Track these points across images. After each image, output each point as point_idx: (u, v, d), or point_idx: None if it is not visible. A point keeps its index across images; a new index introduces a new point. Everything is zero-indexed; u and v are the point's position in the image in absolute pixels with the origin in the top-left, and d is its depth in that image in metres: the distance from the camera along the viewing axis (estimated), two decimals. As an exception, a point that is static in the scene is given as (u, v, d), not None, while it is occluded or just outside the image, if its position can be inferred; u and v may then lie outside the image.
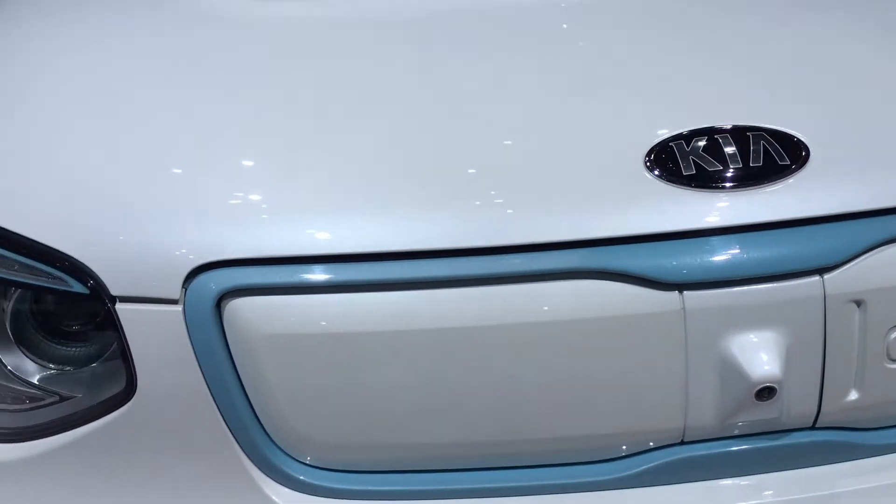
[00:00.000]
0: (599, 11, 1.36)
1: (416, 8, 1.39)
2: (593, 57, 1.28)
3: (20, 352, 1.20)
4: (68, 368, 1.20)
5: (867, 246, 1.09)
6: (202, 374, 1.10)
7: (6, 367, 1.20)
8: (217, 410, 1.12)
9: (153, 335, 1.10)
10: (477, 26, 1.34)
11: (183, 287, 1.09)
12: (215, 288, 1.08)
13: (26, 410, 1.19)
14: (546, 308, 1.08)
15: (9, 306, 1.20)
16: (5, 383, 1.20)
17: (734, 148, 1.11)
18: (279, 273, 1.08)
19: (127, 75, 1.30)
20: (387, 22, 1.37)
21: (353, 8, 1.41)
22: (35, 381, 1.20)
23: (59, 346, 1.21)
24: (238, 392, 1.11)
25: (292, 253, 1.08)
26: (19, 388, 1.20)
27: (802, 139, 1.12)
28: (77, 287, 1.11)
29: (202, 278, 1.08)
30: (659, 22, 1.32)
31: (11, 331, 1.20)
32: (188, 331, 1.09)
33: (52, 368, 1.20)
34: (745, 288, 1.08)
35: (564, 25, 1.34)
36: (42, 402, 1.19)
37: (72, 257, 1.11)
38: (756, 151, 1.11)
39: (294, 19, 1.40)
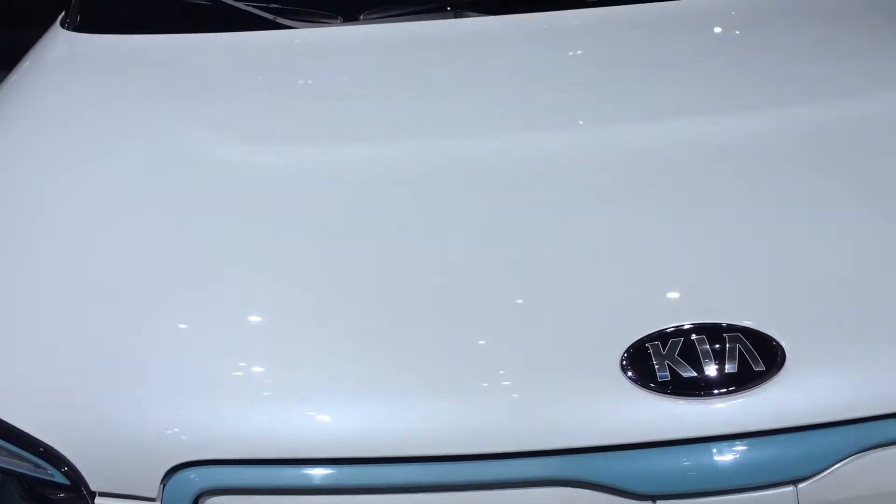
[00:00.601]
0: (579, 176, 1.39)
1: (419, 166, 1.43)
2: (572, 240, 1.28)
3: None
4: None
5: (841, 456, 1.09)
6: (178, 570, 1.11)
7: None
8: None
9: (131, 529, 1.12)
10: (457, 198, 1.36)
11: (161, 483, 1.10)
12: (193, 486, 1.09)
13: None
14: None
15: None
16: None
17: (710, 350, 1.12)
18: (256, 475, 1.09)
19: (107, 252, 1.33)
20: (385, 177, 1.40)
21: (339, 161, 1.45)
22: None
23: None
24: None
25: (270, 456, 1.09)
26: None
27: (779, 341, 1.13)
28: (59, 478, 1.13)
29: (179, 476, 1.10)
30: (642, 203, 1.33)
31: None
32: None
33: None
34: (719, 498, 1.08)
35: (562, 196, 1.35)
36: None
37: (55, 449, 1.13)
38: (732, 352, 1.12)
39: (291, 171, 1.43)
